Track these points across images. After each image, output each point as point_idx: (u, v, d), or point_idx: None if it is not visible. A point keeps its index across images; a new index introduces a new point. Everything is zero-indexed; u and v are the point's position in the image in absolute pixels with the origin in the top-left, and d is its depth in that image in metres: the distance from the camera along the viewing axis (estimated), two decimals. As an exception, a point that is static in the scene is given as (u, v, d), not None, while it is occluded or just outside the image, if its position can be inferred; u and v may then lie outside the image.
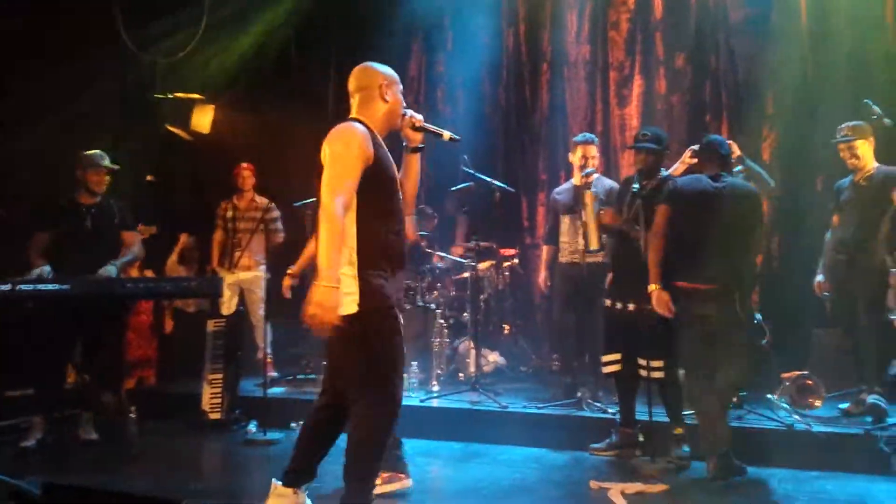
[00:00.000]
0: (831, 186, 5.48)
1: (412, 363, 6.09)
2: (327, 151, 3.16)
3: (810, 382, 5.12)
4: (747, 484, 4.30)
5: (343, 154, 3.12)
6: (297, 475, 3.36)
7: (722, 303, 4.26)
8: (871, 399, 4.85)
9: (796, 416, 4.90)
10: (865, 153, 5.07)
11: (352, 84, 3.40)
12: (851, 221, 5.11)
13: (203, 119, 6.90)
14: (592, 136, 5.83)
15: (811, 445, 4.63)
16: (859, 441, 4.52)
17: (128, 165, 5.81)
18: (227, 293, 6.24)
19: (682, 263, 4.34)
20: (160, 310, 6.71)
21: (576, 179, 5.71)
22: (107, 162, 5.35)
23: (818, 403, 5.07)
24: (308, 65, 8.09)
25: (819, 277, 5.33)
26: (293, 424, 5.26)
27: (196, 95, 6.84)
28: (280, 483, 3.36)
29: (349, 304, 3.06)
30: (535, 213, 7.60)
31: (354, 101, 3.38)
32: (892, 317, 5.08)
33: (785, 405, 5.07)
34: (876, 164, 5.10)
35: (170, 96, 6.78)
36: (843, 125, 5.18)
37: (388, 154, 3.30)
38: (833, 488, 4.20)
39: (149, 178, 5.25)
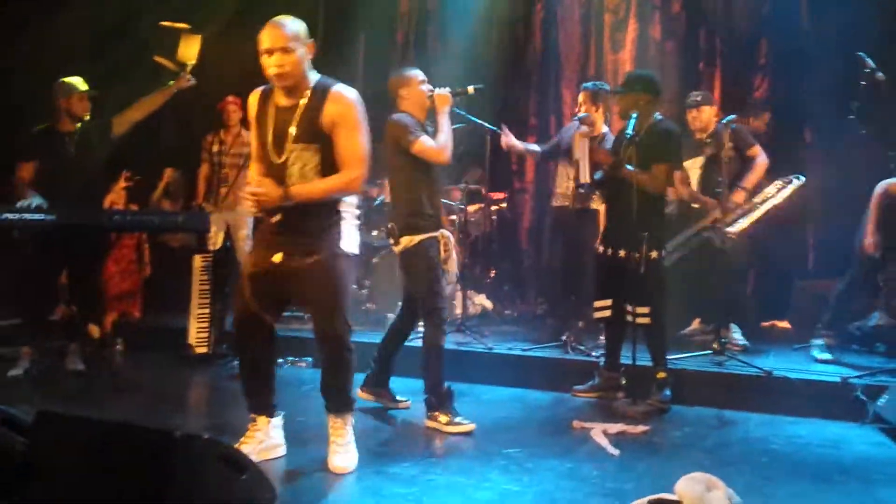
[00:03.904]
0: (821, 136, 5.41)
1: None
2: None
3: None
4: (725, 427, 4.42)
5: None
6: None
7: None
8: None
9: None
10: None
11: None
12: None
13: (190, 50, 6.72)
14: (589, 83, 5.66)
15: (788, 392, 4.72)
16: (836, 389, 4.62)
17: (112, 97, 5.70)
18: (213, 228, 6.19)
19: None
20: (145, 244, 6.65)
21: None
22: (86, 87, 5.26)
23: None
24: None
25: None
26: (280, 360, 5.27)
27: (183, 25, 6.64)
28: None
29: None
30: (523, 158, 7.56)
31: None
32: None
33: (765, 353, 5.19)
34: None
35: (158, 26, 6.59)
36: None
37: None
38: (807, 433, 4.28)
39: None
